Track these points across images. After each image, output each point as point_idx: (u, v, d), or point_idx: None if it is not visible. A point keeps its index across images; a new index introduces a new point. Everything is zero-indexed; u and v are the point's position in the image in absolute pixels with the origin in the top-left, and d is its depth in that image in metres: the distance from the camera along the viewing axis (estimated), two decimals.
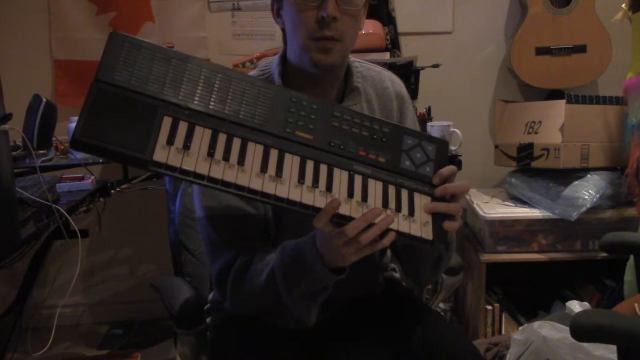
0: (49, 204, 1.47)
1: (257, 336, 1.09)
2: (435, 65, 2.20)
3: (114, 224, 2.27)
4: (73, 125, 1.99)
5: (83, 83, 2.42)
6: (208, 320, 1.24)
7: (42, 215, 1.49)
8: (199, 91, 0.88)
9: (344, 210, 0.87)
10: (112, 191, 1.93)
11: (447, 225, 0.93)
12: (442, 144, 1.01)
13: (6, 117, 1.23)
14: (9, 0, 2.42)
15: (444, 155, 1.00)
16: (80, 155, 1.88)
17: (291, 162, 0.88)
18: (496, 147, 2.34)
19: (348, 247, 0.86)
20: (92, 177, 1.81)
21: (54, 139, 1.96)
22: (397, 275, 1.32)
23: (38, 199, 1.50)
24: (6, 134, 1.24)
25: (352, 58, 1.15)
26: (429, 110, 2.19)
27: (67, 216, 1.52)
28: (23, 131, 1.80)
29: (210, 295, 1.27)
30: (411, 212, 0.92)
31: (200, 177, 0.83)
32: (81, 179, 1.78)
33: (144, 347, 2.34)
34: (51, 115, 1.86)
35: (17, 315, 1.91)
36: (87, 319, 2.67)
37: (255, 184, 0.84)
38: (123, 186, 2.08)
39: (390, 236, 0.87)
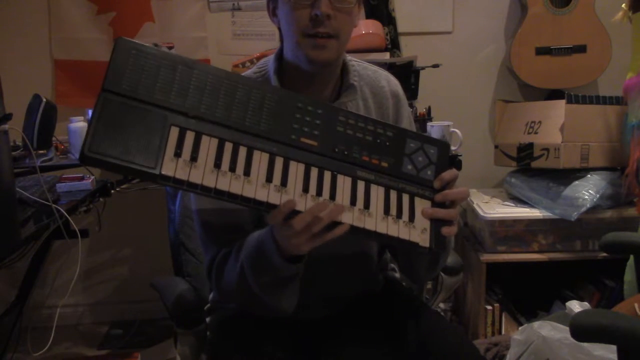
0: (49, 204, 1.47)
1: (257, 336, 1.09)
2: (435, 65, 2.20)
3: (114, 224, 2.27)
4: (73, 125, 2.00)
5: (83, 83, 2.43)
6: (208, 320, 1.24)
7: (42, 215, 1.48)
8: (205, 98, 0.87)
9: (346, 218, 0.88)
10: (112, 191, 1.93)
11: (446, 231, 0.94)
12: (443, 146, 1.01)
13: (6, 117, 1.23)
14: (9, 1, 2.42)
15: (445, 157, 1.00)
16: None
17: (296, 171, 0.89)
18: (496, 147, 2.34)
19: (298, 237, 0.87)
20: (92, 177, 1.81)
21: (54, 139, 1.95)
22: (396, 274, 1.32)
23: (38, 199, 1.50)
24: (6, 134, 1.24)
25: (349, 57, 1.15)
26: (429, 110, 2.19)
27: (67, 216, 1.52)
28: (23, 131, 1.80)
29: (211, 295, 1.27)
30: (411, 218, 0.93)
31: (208, 189, 0.83)
32: (81, 179, 1.78)
33: (144, 347, 2.34)
34: (51, 115, 1.85)
35: (17, 315, 1.91)
36: (87, 319, 2.67)
37: (261, 195, 0.85)
38: (123, 186, 2.08)
39: (342, 227, 0.88)
